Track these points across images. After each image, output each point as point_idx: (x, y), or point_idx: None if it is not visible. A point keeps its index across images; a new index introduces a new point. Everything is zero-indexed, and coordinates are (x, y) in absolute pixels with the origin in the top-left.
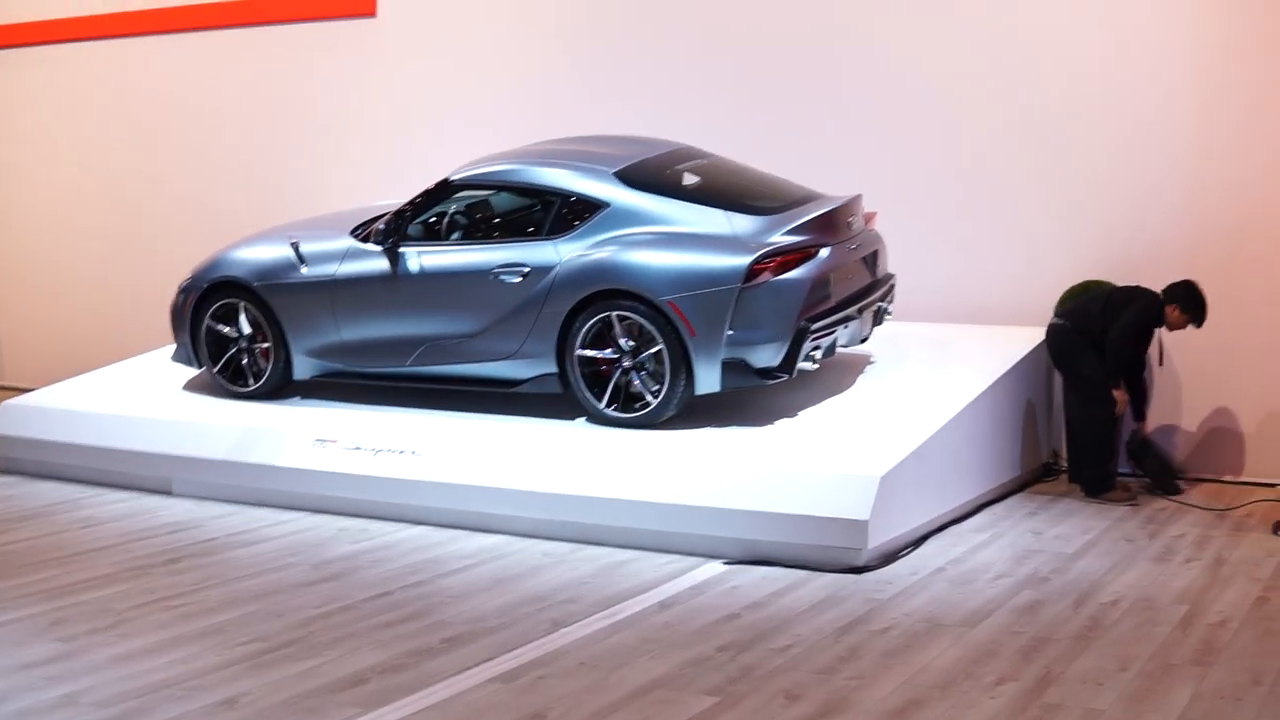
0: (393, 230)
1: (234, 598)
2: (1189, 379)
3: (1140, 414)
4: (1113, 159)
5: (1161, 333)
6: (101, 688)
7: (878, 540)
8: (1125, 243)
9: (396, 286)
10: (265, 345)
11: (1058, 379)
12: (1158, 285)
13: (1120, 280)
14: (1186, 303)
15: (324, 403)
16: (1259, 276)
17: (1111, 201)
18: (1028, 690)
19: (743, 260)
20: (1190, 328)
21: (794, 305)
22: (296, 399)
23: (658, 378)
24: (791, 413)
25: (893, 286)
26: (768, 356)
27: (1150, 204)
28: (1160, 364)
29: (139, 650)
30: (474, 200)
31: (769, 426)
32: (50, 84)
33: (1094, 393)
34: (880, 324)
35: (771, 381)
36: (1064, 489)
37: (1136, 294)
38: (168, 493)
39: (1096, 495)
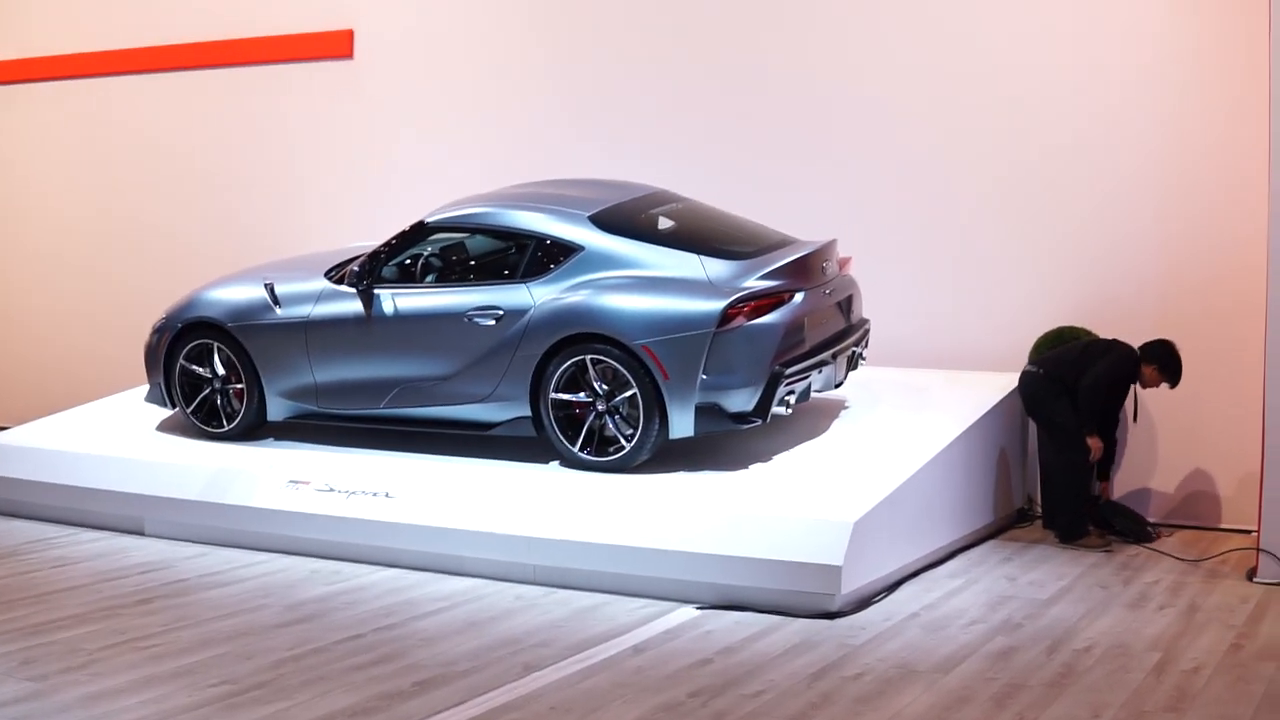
0: (367, 272)
1: (205, 639)
2: (1163, 429)
3: (1104, 474)
4: (1088, 211)
5: (1136, 387)
6: None
7: (851, 585)
8: (1098, 293)
9: (371, 328)
10: (239, 386)
11: (1032, 426)
12: (1130, 336)
13: (1092, 328)
14: (1164, 362)
15: (298, 444)
16: (1228, 329)
17: (1085, 252)
18: None
19: (717, 305)
20: (1164, 386)
21: (768, 350)
22: (270, 440)
23: (631, 421)
24: (765, 457)
25: (867, 331)
26: (742, 401)
27: (1124, 256)
28: (1135, 420)
29: (110, 690)
30: (449, 242)
31: (743, 471)
32: (26, 121)
33: (1068, 440)
34: (855, 369)
35: (745, 426)
36: (1038, 535)
37: (1113, 346)
38: (140, 533)
39: (1071, 541)
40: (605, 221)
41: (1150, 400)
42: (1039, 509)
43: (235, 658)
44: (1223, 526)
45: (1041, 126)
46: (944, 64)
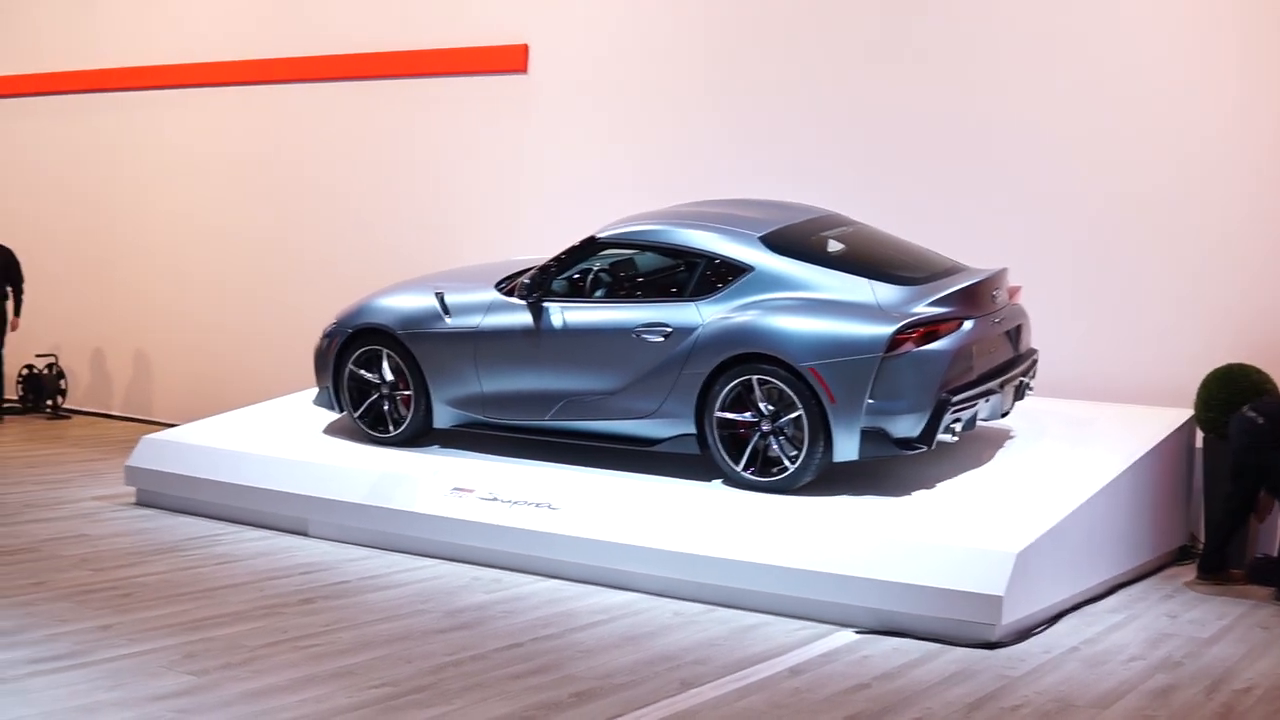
0: (537, 285)
1: (366, 641)
2: None
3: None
4: (1263, 246)
5: None
6: None
7: (1012, 616)
8: (1266, 326)
9: (539, 341)
10: (406, 392)
11: (1198, 463)
12: None
13: (1264, 367)
14: None
15: (462, 452)
16: None
17: (1259, 288)
18: None
19: (886, 330)
20: None
21: (935, 377)
22: (435, 447)
23: (796, 443)
24: (929, 484)
25: (1035, 362)
26: (907, 427)
27: None
28: None
29: (270, 688)
30: (619, 258)
31: (906, 497)
32: (195, 130)
33: None
34: (1021, 399)
35: (910, 452)
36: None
37: None
38: (304, 533)
39: None
40: (776, 243)
41: None
42: (1201, 546)
43: (395, 661)
44: None
45: (1216, 160)
46: (1111, 93)
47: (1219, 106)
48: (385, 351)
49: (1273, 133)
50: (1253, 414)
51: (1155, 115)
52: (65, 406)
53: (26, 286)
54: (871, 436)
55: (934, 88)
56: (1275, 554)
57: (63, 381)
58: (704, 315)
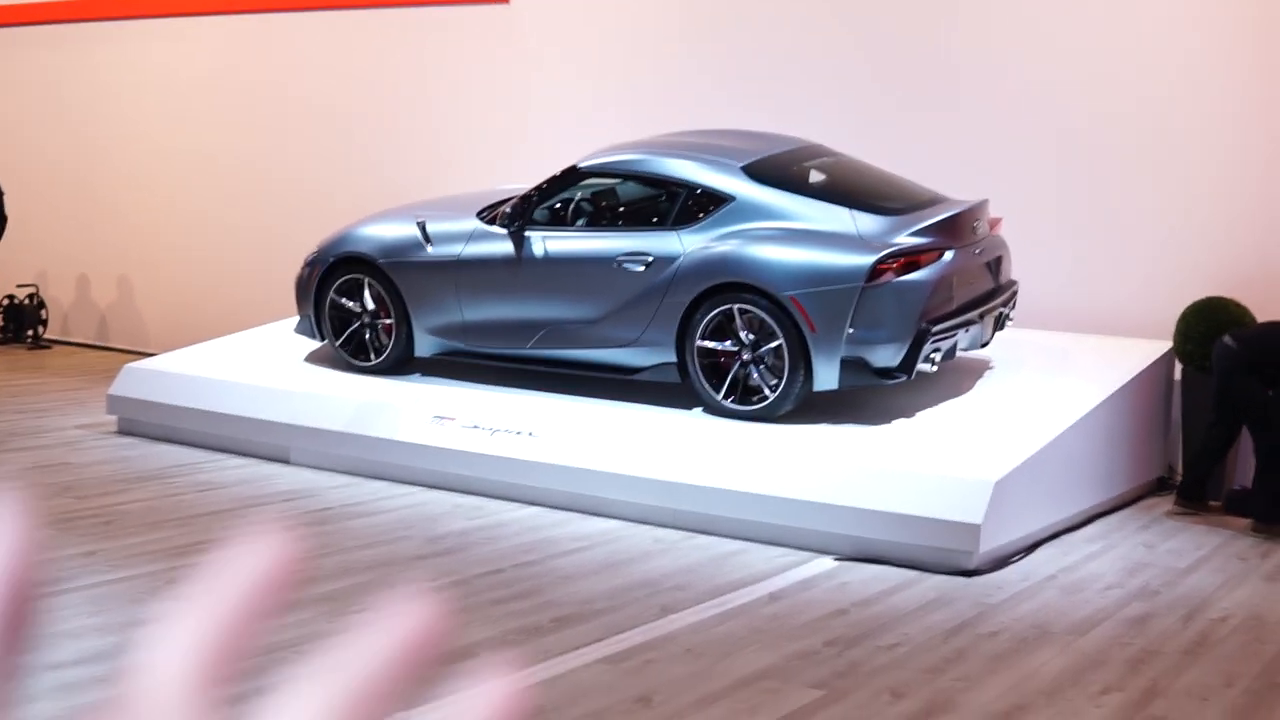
0: (519, 214)
1: (347, 567)
2: None
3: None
4: (1243, 174)
5: None
6: None
7: (990, 545)
8: (1250, 265)
9: (520, 269)
10: (388, 321)
11: (1177, 395)
12: None
13: (1243, 300)
14: None
15: (443, 380)
16: None
17: (1239, 222)
18: (1133, 701)
19: (866, 259)
20: None
21: (916, 307)
22: (416, 375)
23: (776, 372)
24: (908, 414)
25: (1015, 293)
26: (887, 356)
27: (1273, 219)
28: None
29: None
30: (601, 188)
31: (885, 426)
32: (179, 58)
33: (1263, 420)
34: (1001, 329)
35: (890, 382)
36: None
37: None
38: (285, 461)
39: (1271, 524)
40: (757, 172)
41: None
42: (1179, 478)
43: (376, 586)
44: None
45: (1200, 94)
46: (1095, 25)
47: (1205, 37)
48: (366, 280)
49: (1258, 65)
50: (1229, 340)
51: (1142, 47)
52: (46, 336)
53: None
54: (851, 366)
55: (917, 17)
56: (1251, 485)
57: (43, 311)
58: (685, 244)
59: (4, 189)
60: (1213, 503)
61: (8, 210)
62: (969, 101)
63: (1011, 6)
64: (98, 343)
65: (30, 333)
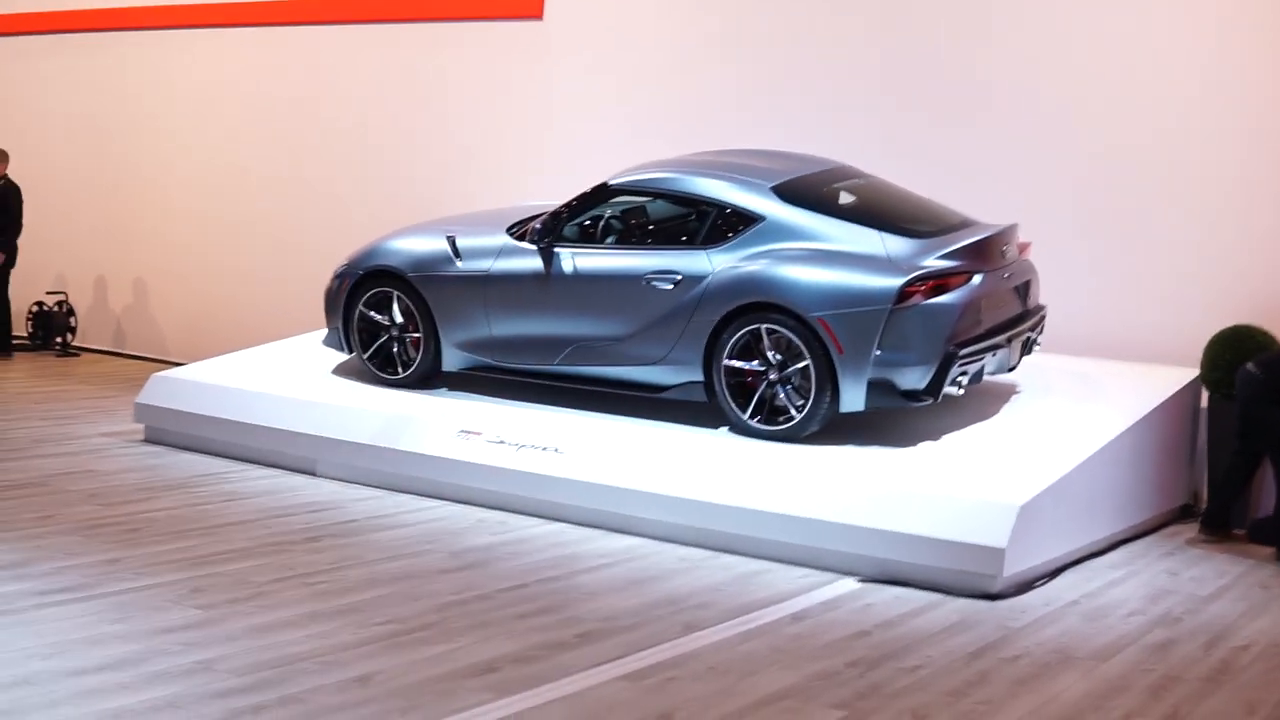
0: (549, 230)
1: (372, 579)
2: None
3: None
4: (1262, 200)
5: None
6: (237, 656)
7: (1014, 569)
8: (1275, 288)
9: (549, 286)
10: (416, 335)
11: (1204, 422)
12: None
13: (1270, 328)
14: None
15: (470, 395)
16: None
17: (1267, 246)
18: None
19: (895, 282)
20: None
21: (943, 329)
22: (444, 390)
23: (803, 393)
24: (934, 436)
25: (1043, 317)
26: (914, 379)
27: None
28: None
29: (276, 623)
30: (630, 206)
31: (911, 448)
32: (207, 70)
33: None
34: (1028, 354)
35: (917, 404)
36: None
37: None
38: (311, 473)
39: None
40: (787, 193)
41: None
42: (1203, 505)
43: (401, 599)
44: None
45: (1227, 121)
46: (1126, 52)
47: (1230, 65)
48: (396, 294)
49: None
50: (1252, 367)
51: (1169, 73)
52: (74, 344)
53: (32, 225)
54: (878, 387)
55: (946, 41)
56: (1275, 514)
57: (72, 319)
58: (714, 264)
59: (24, 197)
60: (1236, 531)
61: (27, 217)
62: (999, 126)
63: (1041, 32)
64: (127, 351)
65: (59, 340)
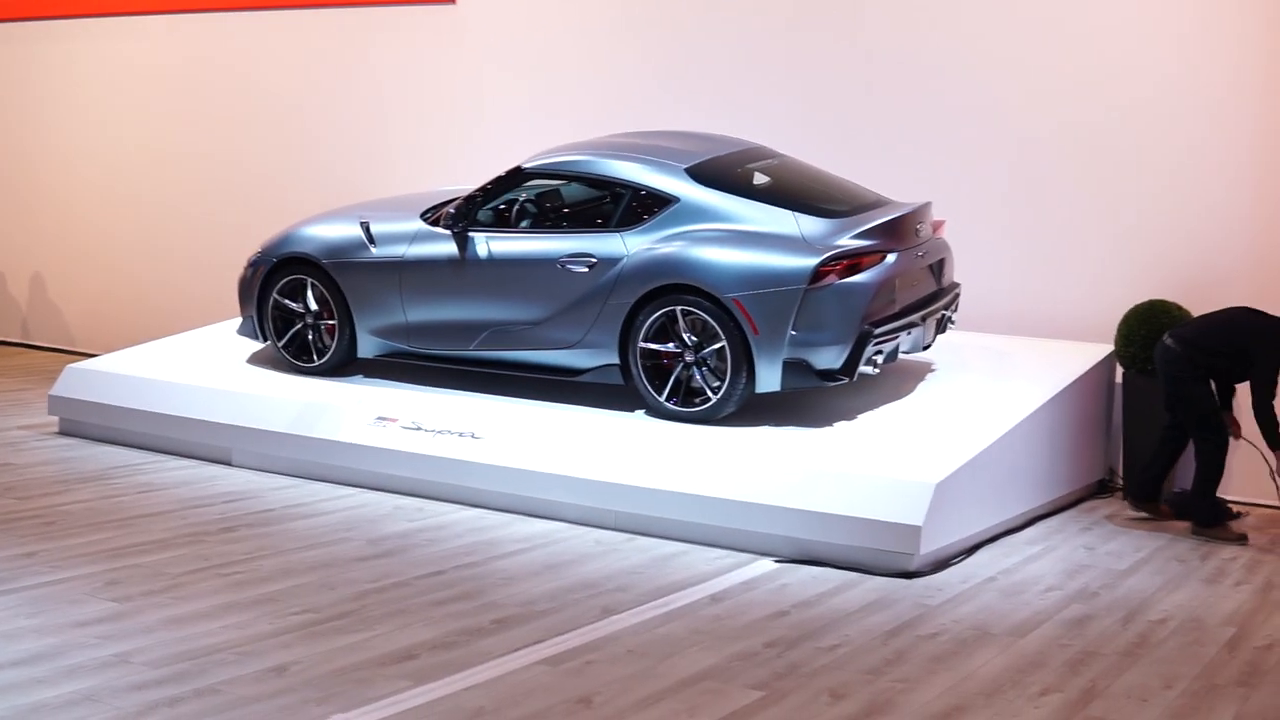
0: (463, 215)
1: (288, 568)
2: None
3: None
4: (1175, 178)
5: None
6: (154, 649)
7: (930, 546)
8: (1190, 266)
9: (464, 271)
10: (331, 322)
11: (1118, 398)
12: (1223, 303)
13: (1183, 302)
14: None
15: (386, 382)
16: None
17: (1176, 223)
18: (1072, 702)
19: (809, 261)
20: None
21: (858, 309)
22: (359, 377)
23: (719, 374)
24: (850, 416)
25: (957, 295)
26: (829, 358)
27: (1213, 224)
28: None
29: (192, 614)
30: (545, 189)
31: (827, 428)
32: (120, 56)
33: (1204, 421)
34: (943, 332)
35: (832, 384)
36: (1118, 506)
37: (1271, 329)
38: (227, 463)
39: (1210, 527)
40: (701, 174)
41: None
42: (1120, 480)
43: (317, 588)
44: None
45: (1133, 95)
46: (1034, 33)
47: (1145, 45)
48: (310, 281)
49: (1201, 67)
50: (1170, 341)
51: (1084, 49)
52: None
53: None
54: (794, 368)
55: (861, 19)
56: (1193, 488)
57: None
58: (629, 246)
59: None
60: (1164, 506)
61: None
62: (913, 105)
63: (955, 14)
64: (30, 342)
65: None
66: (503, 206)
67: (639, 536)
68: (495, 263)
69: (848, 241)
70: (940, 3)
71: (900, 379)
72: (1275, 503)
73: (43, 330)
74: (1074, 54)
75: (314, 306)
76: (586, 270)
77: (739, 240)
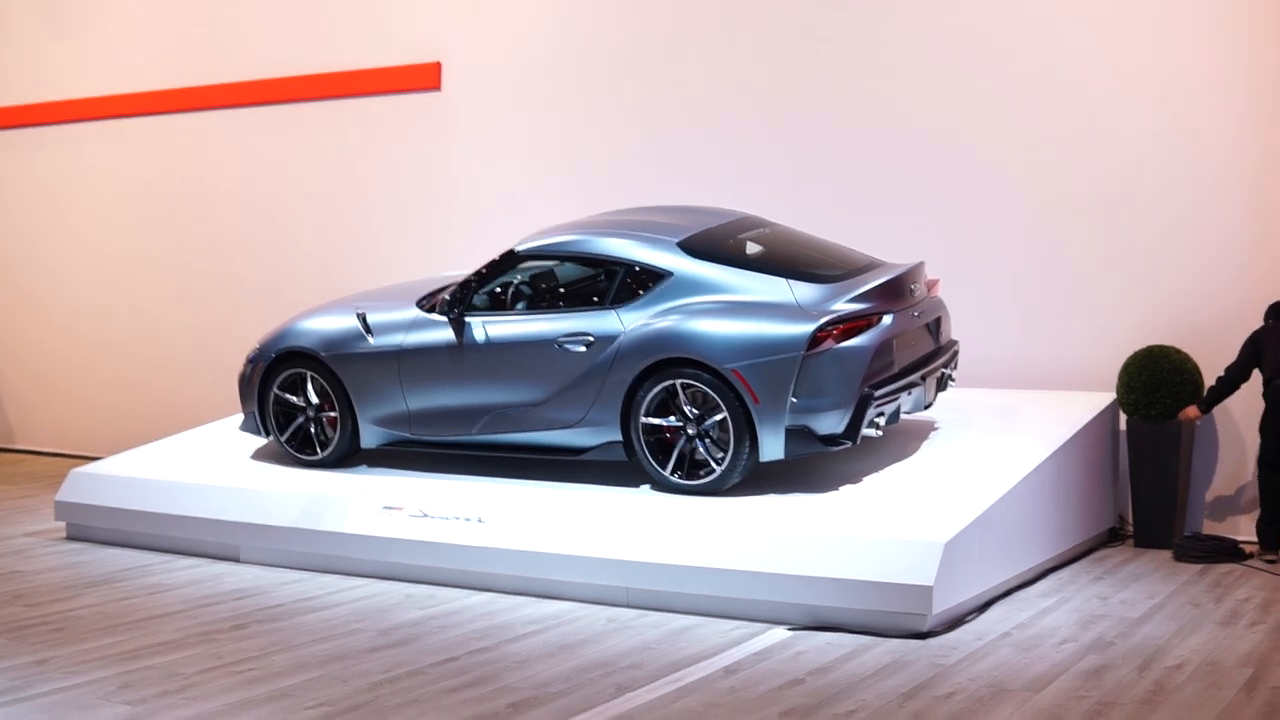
0: (458, 300)
1: (301, 663)
2: (1251, 440)
3: None
4: (1173, 227)
5: None
6: None
7: (942, 606)
8: (1188, 311)
9: (462, 356)
10: (332, 414)
11: (1124, 444)
12: (1222, 355)
13: (1183, 347)
14: None
15: (391, 470)
16: None
17: (1172, 269)
18: None
19: (806, 328)
20: None
21: (857, 372)
22: (363, 467)
23: (722, 445)
24: (855, 479)
25: (956, 353)
26: (832, 423)
27: (1211, 271)
28: None
29: (206, 713)
30: (539, 270)
31: (833, 493)
32: (111, 161)
33: None
34: (944, 390)
35: (836, 448)
36: (1130, 554)
37: None
38: (235, 559)
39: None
40: (693, 247)
41: (1234, 411)
42: (1130, 528)
43: (331, 681)
44: None
45: (1126, 145)
46: (1028, 86)
47: (1134, 95)
48: (309, 374)
49: (1188, 117)
50: None
51: (1075, 106)
52: None
53: None
54: (796, 435)
55: (851, 84)
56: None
57: None
58: (625, 322)
59: None
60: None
61: None
62: (903, 165)
63: (941, 73)
64: (42, 448)
65: None
66: (498, 289)
67: (651, 612)
68: (493, 346)
69: (843, 306)
70: (934, 59)
71: (904, 439)
72: None
73: (41, 436)
74: (1072, 110)
75: (315, 399)
76: (584, 349)
77: (735, 311)
